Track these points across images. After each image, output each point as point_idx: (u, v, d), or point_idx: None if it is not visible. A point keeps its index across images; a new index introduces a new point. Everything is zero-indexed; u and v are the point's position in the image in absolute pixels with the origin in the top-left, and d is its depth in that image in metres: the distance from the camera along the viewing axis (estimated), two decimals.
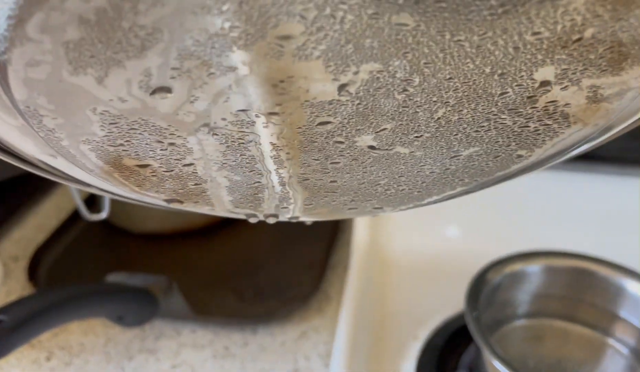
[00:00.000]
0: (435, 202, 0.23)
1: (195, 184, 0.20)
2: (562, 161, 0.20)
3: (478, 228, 0.56)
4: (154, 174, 0.20)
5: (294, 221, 0.24)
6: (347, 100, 0.16)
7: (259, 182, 0.20)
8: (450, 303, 0.47)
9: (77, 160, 0.19)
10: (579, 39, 0.14)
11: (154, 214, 0.56)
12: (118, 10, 0.13)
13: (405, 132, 0.17)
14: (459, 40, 0.14)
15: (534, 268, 0.39)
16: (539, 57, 0.15)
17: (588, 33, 0.14)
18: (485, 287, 0.37)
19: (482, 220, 0.55)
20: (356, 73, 0.15)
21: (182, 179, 0.20)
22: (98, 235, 0.58)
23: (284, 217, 0.23)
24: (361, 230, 0.55)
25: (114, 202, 0.54)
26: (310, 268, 0.53)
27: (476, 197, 0.58)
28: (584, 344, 0.40)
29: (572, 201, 0.54)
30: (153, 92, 0.15)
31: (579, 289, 0.39)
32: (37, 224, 0.62)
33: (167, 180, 0.20)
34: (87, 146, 0.18)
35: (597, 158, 0.52)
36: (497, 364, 0.32)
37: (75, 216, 0.58)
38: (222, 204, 0.22)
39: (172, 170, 0.19)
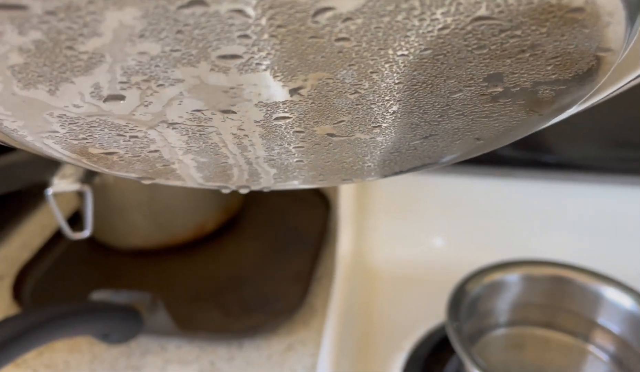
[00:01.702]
0: (402, 173, 0.23)
1: (164, 165, 0.21)
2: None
3: (463, 238, 0.56)
4: (121, 159, 0.20)
5: (266, 190, 0.24)
6: (300, 100, 0.16)
7: (226, 162, 0.20)
8: (435, 313, 0.47)
9: (44, 151, 0.20)
10: (523, 51, 0.15)
11: (139, 230, 0.56)
12: (56, 42, 0.13)
13: (363, 123, 0.18)
14: (403, 54, 0.14)
15: (512, 277, 0.39)
16: (486, 66, 0.15)
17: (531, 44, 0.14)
18: (466, 298, 0.38)
19: (467, 230, 0.56)
20: (305, 80, 0.15)
21: (149, 162, 0.20)
22: (83, 252, 0.58)
23: (256, 188, 0.24)
24: (345, 242, 0.56)
25: (99, 219, 0.54)
26: (296, 281, 0.54)
27: (461, 207, 0.59)
28: (564, 351, 0.40)
29: (553, 210, 0.54)
30: (106, 100, 0.16)
31: (557, 297, 0.40)
32: (22, 242, 0.62)
33: (135, 163, 0.21)
34: (51, 141, 0.18)
35: (576, 167, 0.53)
36: None
37: (59, 233, 0.58)
38: (192, 180, 0.22)
39: (138, 156, 0.20)
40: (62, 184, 0.46)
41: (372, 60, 0.14)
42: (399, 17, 0.13)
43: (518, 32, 0.14)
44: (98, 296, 0.46)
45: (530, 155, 0.52)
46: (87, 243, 0.57)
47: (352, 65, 0.15)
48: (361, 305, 0.51)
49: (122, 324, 0.45)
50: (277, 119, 0.17)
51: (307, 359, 0.47)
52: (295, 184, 0.24)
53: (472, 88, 0.16)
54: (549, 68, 0.15)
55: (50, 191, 0.47)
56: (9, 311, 0.51)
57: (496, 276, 0.39)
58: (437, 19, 0.13)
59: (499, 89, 0.16)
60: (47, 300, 0.52)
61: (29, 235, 0.63)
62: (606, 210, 0.53)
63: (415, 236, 0.56)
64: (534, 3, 0.13)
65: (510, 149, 0.50)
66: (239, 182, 0.23)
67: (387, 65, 0.15)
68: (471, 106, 0.17)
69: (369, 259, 0.56)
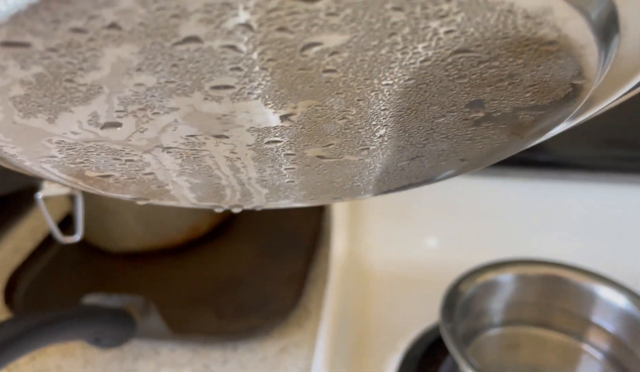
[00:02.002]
0: (391, 192, 0.24)
1: (158, 187, 0.21)
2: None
3: (457, 238, 0.56)
4: (117, 181, 0.21)
5: (259, 209, 0.25)
6: (290, 126, 0.17)
7: (219, 183, 0.21)
8: (430, 314, 0.47)
9: (42, 174, 0.20)
10: (502, 80, 0.15)
11: (131, 233, 0.56)
12: (56, 75, 0.14)
13: (351, 146, 0.18)
14: (388, 83, 0.15)
15: (506, 277, 0.39)
16: (467, 93, 0.16)
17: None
18: (460, 299, 0.38)
19: (461, 230, 0.56)
20: (295, 107, 0.16)
21: (144, 183, 0.21)
22: (75, 255, 0.57)
23: (248, 207, 0.24)
24: (339, 243, 0.55)
25: (91, 222, 0.53)
26: (290, 283, 0.53)
27: (455, 208, 0.59)
28: (559, 351, 0.40)
29: (547, 209, 0.54)
30: (103, 127, 0.16)
31: (551, 296, 0.40)
32: (13, 246, 0.61)
33: (130, 185, 0.21)
34: (48, 165, 0.19)
35: (569, 166, 0.53)
36: None
37: (51, 237, 0.57)
38: (186, 200, 0.23)
39: (133, 178, 0.20)
40: (52, 188, 0.46)
41: (358, 89, 0.15)
42: (383, 51, 0.14)
43: (496, 63, 0.15)
44: (90, 300, 0.46)
45: (524, 155, 0.52)
46: (80, 246, 0.56)
47: (340, 93, 0.15)
48: (355, 306, 0.51)
49: (115, 328, 0.45)
50: (268, 142, 0.18)
51: (301, 361, 0.47)
52: (287, 203, 0.24)
53: (455, 113, 0.17)
54: (528, 95, 0.16)
55: (40, 195, 0.46)
56: (1, 316, 0.50)
57: (490, 276, 0.39)
58: (418, 52, 0.14)
59: (481, 114, 0.17)
60: (39, 305, 0.52)
61: (20, 239, 0.62)
62: (599, 209, 0.53)
63: (409, 236, 0.56)
64: (509, 37, 0.13)
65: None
66: (232, 201, 0.23)
67: (372, 94, 0.15)
68: (455, 130, 0.18)
69: (363, 260, 0.56)
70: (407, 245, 0.56)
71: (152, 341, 0.49)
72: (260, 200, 0.23)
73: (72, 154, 0.18)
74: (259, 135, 0.17)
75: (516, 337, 0.41)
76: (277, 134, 0.17)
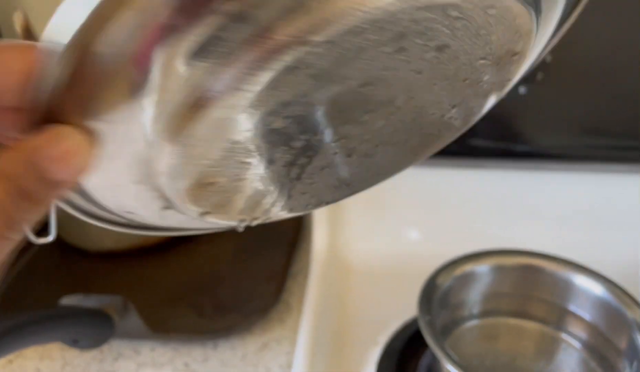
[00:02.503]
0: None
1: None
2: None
3: (438, 230, 0.56)
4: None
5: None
6: None
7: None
8: (411, 306, 0.47)
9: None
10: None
11: (109, 232, 0.55)
12: None
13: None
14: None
15: (483, 268, 0.39)
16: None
17: None
18: (437, 291, 0.38)
19: (443, 222, 0.56)
20: None
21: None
22: (52, 256, 0.56)
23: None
24: (320, 238, 0.55)
25: (69, 222, 0.52)
26: (271, 279, 0.53)
27: (436, 200, 0.59)
28: (537, 340, 0.41)
29: (527, 199, 0.54)
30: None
31: (528, 286, 0.40)
32: None
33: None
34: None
35: (547, 156, 0.52)
36: (450, 367, 0.33)
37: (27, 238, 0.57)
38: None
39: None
40: None
41: None
42: None
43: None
44: (68, 301, 0.45)
45: (503, 146, 0.52)
46: (57, 247, 0.56)
47: None
48: (337, 301, 0.51)
49: (93, 329, 0.45)
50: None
51: (282, 357, 0.47)
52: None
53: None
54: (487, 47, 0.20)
55: None
56: None
57: (467, 268, 0.39)
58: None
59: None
60: (16, 307, 0.51)
61: None
62: (578, 198, 0.53)
63: (390, 229, 0.56)
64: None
65: (482, 139, 0.50)
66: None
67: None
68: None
69: (344, 254, 0.56)
70: (388, 238, 0.55)
71: (132, 340, 0.48)
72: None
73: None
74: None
75: (494, 327, 0.41)
76: None
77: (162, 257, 0.56)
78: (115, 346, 0.48)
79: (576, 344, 0.40)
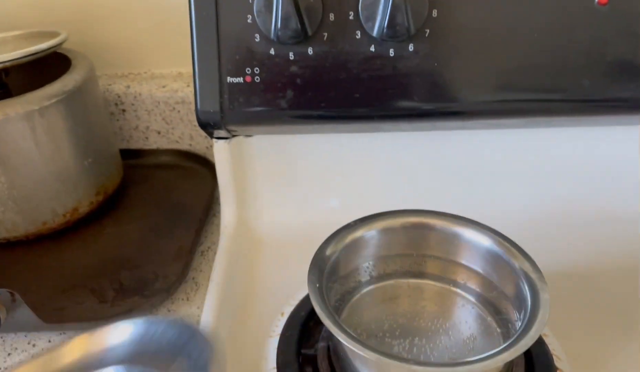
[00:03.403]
0: None
1: None
2: None
3: (355, 197, 0.55)
4: None
5: None
6: None
7: None
8: None
9: None
10: None
11: (1, 220, 0.52)
12: None
13: None
14: None
15: (371, 233, 0.38)
16: None
17: None
18: (328, 261, 0.37)
19: (359, 189, 0.55)
20: None
21: None
22: None
23: None
24: (228, 211, 0.53)
25: None
26: (178, 258, 0.51)
27: (349, 166, 0.57)
28: (435, 298, 0.41)
29: (447, 159, 0.53)
30: None
31: (420, 244, 0.39)
32: None
33: None
34: None
35: (467, 114, 0.51)
36: (334, 332, 0.32)
37: None
38: None
39: None
40: None
41: None
42: None
43: None
44: None
45: (420, 106, 0.50)
46: None
47: None
48: (244, 275, 0.49)
49: None
50: None
51: None
52: None
53: None
54: None
55: None
56: None
57: (356, 234, 0.38)
58: None
59: None
60: None
61: None
62: (493, 155, 0.53)
63: (300, 199, 0.55)
64: None
65: (399, 99, 0.48)
66: None
67: None
68: None
69: (254, 227, 0.54)
70: (298, 208, 0.54)
71: (28, 333, 0.46)
72: None
73: None
74: None
75: (392, 290, 0.41)
76: None
77: (61, 243, 0.53)
78: (8, 340, 0.45)
79: (471, 298, 0.40)
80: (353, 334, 0.32)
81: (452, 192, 0.53)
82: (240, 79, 0.44)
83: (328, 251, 0.37)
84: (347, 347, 0.32)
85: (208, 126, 0.46)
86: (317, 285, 0.35)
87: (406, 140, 0.52)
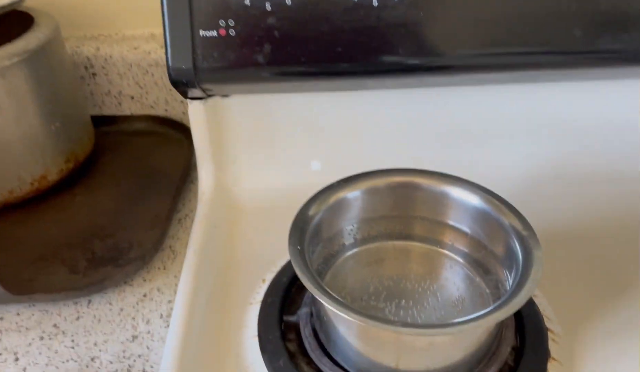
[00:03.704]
0: None
1: None
2: None
3: (339, 159, 0.53)
4: None
5: None
6: None
7: None
8: None
9: None
10: None
11: None
12: None
13: None
14: None
15: (355, 193, 0.36)
16: None
17: None
18: (310, 223, 0.35)
19: (343, 150, 0.53)
20: None
21: None
22: None
23: None
24: (205, 177, 0.51)
25: None
26: (154, 225, 0.49)
27: (330, 126, 0.55)
28: (422, 260, 0.39)
29: (429, 117, 0.51)
30: None
31: (406, 205, 0.37)
32: None
33: None
34: None
35: (447, 69, 0.48)
36: (314, 292, 0.30)
37: None
38: None
39: None
40: None
41: None
42: None
43: None
44: None
45: (406, 60, 0.47)
46: None
47: None
48: (223, 242, 0.47)
49: None
50: None
51: (164, 306, 0.43)
52: None
53: None
54: None
55: None
56: None
57: (340, 195, 0.36)
58: None
59: None
60: None
61: None
62: (485, 112, 0.51)
63: (280, 163, 0.52)
64: None
65: (384, 53, 0.45)
66: None
67: None
68: None
69: (233, 192, 0.52)
70: (279, 172, 0.52)
71: None
72: None
73: None
74: None
75: (377, 252, 0.39)
76: None
77: (30, 213, 0.51)
78: None
79: (460, 259, 0.38)
80: (336, 296, 0.30)
81: (440, 151, 0.51)
82: (214, 33, 0.41)
83: (310, 212, 0.35)
84: (330, 310, 0.30)
85: (181, 84, 0.43)
86: (299, 247, 0.34)
87: (391, 99, 0.50)
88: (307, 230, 0.35)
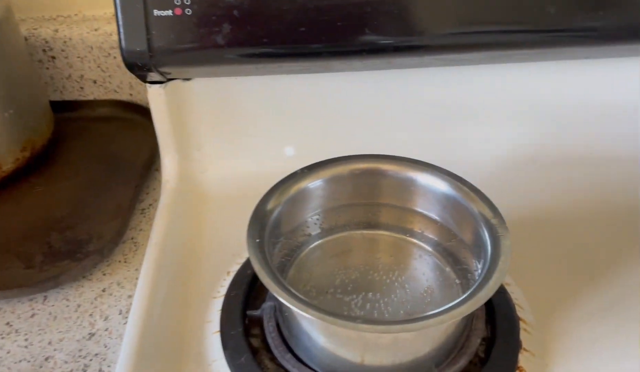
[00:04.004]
0: None
1: None
2: None
3: (309, 144, 0.51)
4: None
5: None
6: None
7: None
8: None
9: None
10: None
11: None
12: None
13: None
14: None
15: (317, 183, 0.34)
16: None
17: None
18: (272, 215, 0.33)
19: (313, 135, 0.51)
20: None
21: None
22: None
23: None
24: (169, 165, 0.49)
25: None
26: (115, 216, 0.47)
27: (304, 111, 0.53)
28: (390, 249, 0.37)
29: (405, 99, 0.49)
30: None
31: (372, 192, 0.36)
32: None
33: None
34: None
35: (422, 49, 0.47)
36: (272, 288, 0.28)
37: None
38: None
39: None
40: None
41: None
42: None
43: None
44: None
45: (375, 40, 0.44)
46: None
47: None
48: (188, 232, 0.45)
49: None
50: None
51: (123, 301, 0.41)
52: None
53: None
54: None
55: None
56: None
57: (301, 185, 0.34)
58: None
59: None
60: None
61: None
62: (458, 95, 0.49)
63: (250, 148, 0.50)
64: None
65: (351, 33, 0.43)
66: None
67: None
68: None
69: (199, 181, 0.50)
70: (246, 158, 0.50)
71: None
72: None
73: None
74: None
75: (345, 242, 0.37)
76: None
77: None
78: None
79: (429, 248, 0.37)
80: (295, 292, 0.29)
81: (416, 134, 0.49)
82: (169, 12, 0.39)
83: (270, 205, 0.34)
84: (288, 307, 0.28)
85: (136, 68, 0.41)
86: (258, 240, 0.32)
87: (366, 80, 0.48)
88: (267, 222, 0.33)
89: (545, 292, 0.38)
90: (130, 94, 0.62)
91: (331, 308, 0.32)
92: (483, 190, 0.35)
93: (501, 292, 0.37)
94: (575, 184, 0.48)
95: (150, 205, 0.50)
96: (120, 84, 0.61)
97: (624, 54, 0.45)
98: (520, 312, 0.36)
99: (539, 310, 0.37)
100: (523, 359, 0.34)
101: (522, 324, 0.36)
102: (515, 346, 0.34)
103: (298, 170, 0.35)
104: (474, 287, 0.28)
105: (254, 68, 0.44)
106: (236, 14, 0.39)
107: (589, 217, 0.45)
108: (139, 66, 0.41)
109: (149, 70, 0.41)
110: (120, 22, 0.39)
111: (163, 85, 0.45)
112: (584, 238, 0.43)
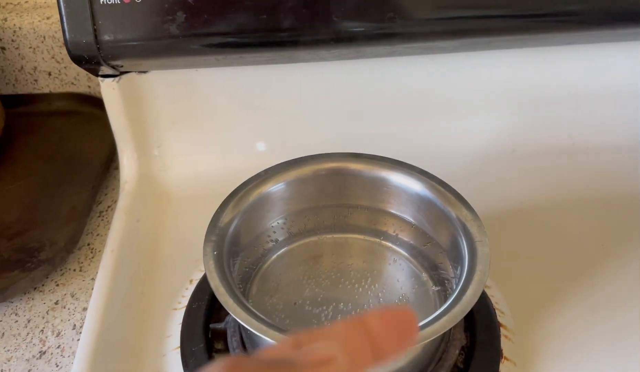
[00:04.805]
0: None
1: None
2: None
3: (278, 139, 0.48)
4: None
5: None
6: None
7: None
8: None
9: None
10: None
11: None
12: None
13: None
14: None
15: (279, 186, 0.32)
16: None
17: None
18: (231, 225, 0.30)
19: (281, 129, 0.48)
20: None
21: None
22: None
23: None
24: (128, 164, 0.46)
25: None
26: (69, 221, 0.43)
27: (270, 104, 0.50)
28: (363, 254, 0.35)
29: (376, 90, 0.47)
30: None
31: (340, 193, 0.33)
32: None
33: None
34: None
35: (406, 36, 0.44)
36: (228, 307, 0.26)
37: None
38: None
39: None
40: None
41: None
42: None
43: None
44: None
45: (342, 27, 0.41)
46: None
47: None
48: (149, 237, 0.42)
49: None
50: None
51: (77, 315, 0.38)
52: None
53: None
54: None
55: None
56: None
57: (262, 190, 0.31)
58: None
59: None
60: None
61: None
62: (432, 82, 0.46)
63: (214, 144, 0.47)
64: None
65: (315, 20, 0.39)
66: None
67: None
68: None
69: (160, 180, 0.47)
70: (210, 155, 0.47)
71: None
72: None
73: None
74: None
75: (315, 247, 0.35)
76: None
77: None
78: None
79: (404, 252, 0.34)
80: (255, 311, 0.26)
81: (391, 126, 0.47)
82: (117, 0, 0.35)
83: (227, 213, 0.31)
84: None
85: (83, 61, 0.37)
86: (215, 252, 0.29)
87: (333, 72, 0.45)
88: (226, 233, 0.30)
89: (527, 294, 0.36)
90: (89, 86, 0.58)
91: (298, 323, 0.30)
92: (460, 183, 0.33)
93: (481, 296, 0.34)
94: (556, 176, 0.46)
95: (109, 207, 0.47)
96: (77, 76, 0.57)
97: (606, 39, 0.43)
98: (501, 318, 0.34)
99: (521, 314, 0.35)
100: (504, 369, 0.32)
101: (503, 331, 0.33)
102: (495, 355, 0.32)
103: (255, 175, 0.32)
104: (450, 301, 0.26)
105: (214, 59, 0.40)
106: (191, 1, 0.36)
107: (573, 211, 0.43)
108: (87, 59, 0.37)
109: (98, 63, 0.38)
110: (63, 11, 0.36)
111: (116, 79, 0.42)
112: (568, 233, 0.41)
